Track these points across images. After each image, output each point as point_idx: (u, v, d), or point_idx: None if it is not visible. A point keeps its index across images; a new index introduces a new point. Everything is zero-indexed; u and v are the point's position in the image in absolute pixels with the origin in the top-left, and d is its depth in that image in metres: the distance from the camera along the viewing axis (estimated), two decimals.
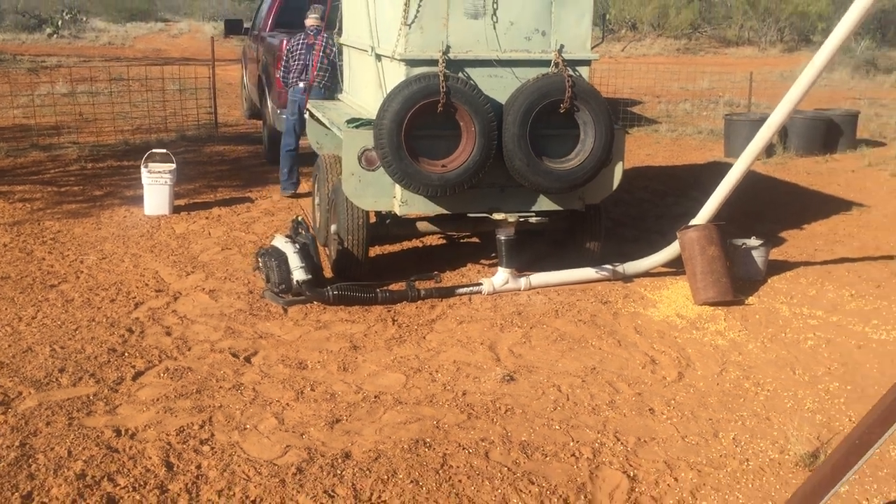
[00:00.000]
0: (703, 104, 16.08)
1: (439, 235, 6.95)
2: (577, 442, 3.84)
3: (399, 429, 3.90)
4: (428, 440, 3.80)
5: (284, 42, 8.81)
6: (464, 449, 3.73)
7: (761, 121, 10.87)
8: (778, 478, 3.59)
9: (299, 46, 7.87)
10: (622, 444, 3.84)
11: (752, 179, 8.12)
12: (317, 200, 6.87)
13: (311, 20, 7.98)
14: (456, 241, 7.05)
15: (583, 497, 3.41)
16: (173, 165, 7.61)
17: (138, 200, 7.75)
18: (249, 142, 11.43)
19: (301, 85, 7.82)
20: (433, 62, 5.10)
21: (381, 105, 5.10)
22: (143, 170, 7.52)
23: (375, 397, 4.22)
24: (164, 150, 7.82)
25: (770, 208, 8.20)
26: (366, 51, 5.95)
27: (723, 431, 3.99)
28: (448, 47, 5.14)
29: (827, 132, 11.10)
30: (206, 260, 6.37)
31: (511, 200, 5.50)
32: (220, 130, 12.01)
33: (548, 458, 3.69)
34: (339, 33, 7.11)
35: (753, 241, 6.17)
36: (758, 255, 6.14)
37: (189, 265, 6.23)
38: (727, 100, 16.18)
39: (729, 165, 5.91)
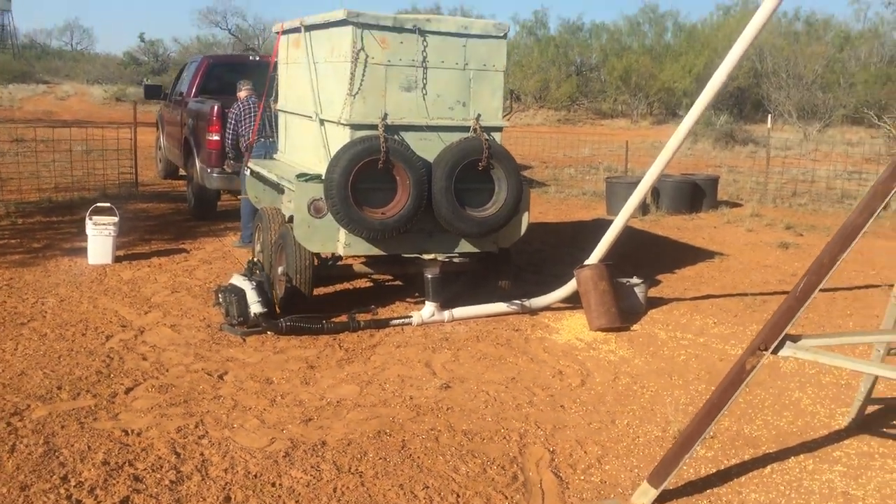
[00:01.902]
0: (585, 169, 17.76)
1: (368, 278, 7.85)
2: (507, 429, 4.78)
3: (363, 423, 4.74)
4: (388, 430, 4.66)
5: (216, 108, 9.65)
6: (417, 436, 4.61)
7: (637, 183, 12.48)
8: (661, 448, 4.63)
9: (245, 112, 8.69)
10: (542, 430, 4.81)
11: (631, 233, 9.48)
12: (258, 248, 7.66)
13: (245, 91, 8.85)
14: (382, 283, 7.96)
15: (515, 465, 4.34)
16: (117, 218, 8.24)
17: (79, 251, 8.31)
18: (170, 199, 12.05)
19: (263, 141, 8.54)
20: (374, 126, 6.11)
21: (330, 161, 6.05)
22: (87, 222, 8.10)
23: (338, 402, 5.05)
24: (107, 204, 8.43)
25: (648, 256, 9.52)
26: (308, 116, 6.90)
27: (618, 419, 5.03)
28: (386, 114, 6.16)
29: (693, 194, 12.75)
30: (159, 301, 7.03)
31: (438, 243, 6.51)
32: (139, 189, 12.55)
33: (485, 441, 4.62)
34: (275, 100, 8.04)
35: (635, 280, 7.38)
36: (639, 291, 7.33)
37: (145, 305, 6.88)
38: (606, 166, 17.90)
39: (609, 222, 7.13)
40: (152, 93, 13.49)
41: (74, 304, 6.81)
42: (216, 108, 9.62)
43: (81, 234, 8.45)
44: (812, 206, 13.79)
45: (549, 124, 34.46)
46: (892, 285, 8.32)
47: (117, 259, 8.27)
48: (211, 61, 11.70)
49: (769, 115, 16.59)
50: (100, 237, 8.11)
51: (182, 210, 11.24)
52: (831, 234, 11.93)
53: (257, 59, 12.01)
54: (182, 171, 13.39)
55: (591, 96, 40.73)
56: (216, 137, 9.64)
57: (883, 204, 3.54)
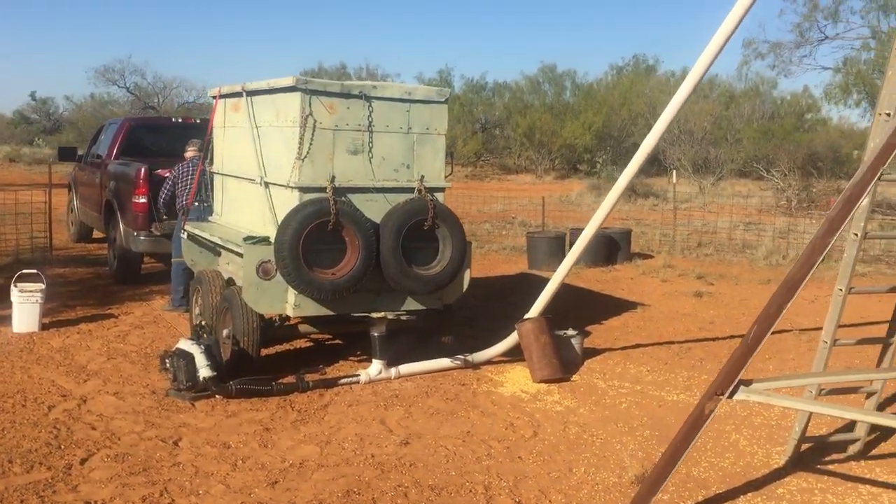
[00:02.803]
0: (501, 224, 18.23)
1: (308, 339, 7.86)
2: (472, 483, 4.89)
3: (330, 483, 4.77)
4: (356, 489, 4.70)
5: (143, 170, 9.56)
6: (386, 493, 4.67)
7: (558, 237, 12.99)
8: (621, 493, 4.84)
9: (185, 173, 8.63)
10: (505, 481, 4.94)
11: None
12: (197, 311, 7.58)
13: (191, 152, 8.82)
14: (324, 342, 7.98)
15: None
16: (43, 285, 8.00)
17: (1, 319, 8.01)
18: (88, 264, 11.73)
19: (198, 204, 8.46)
20: (322, 189, 6.23)
21: (281, 224, 6.13)
22: (13, 289, 7.84)
23: (300, 464, 5.06)
24: (33, 270, 8.18)
25: (575, 309, 9.85)
26: (250, 179, 6.95)
27: (575, 468, 5.21)
28: (334, 177, 6.30)
29: (609, 247, 13.29)
30: (96, 368, 6.85)
31: (385, 302, 6.63)
32: (53, 253, 12.17)
33: (453, 495, 4.72)
34: (211, 163, 8.06)
35: (571, 331, 7.66)
36: (575, 343, 7.62)
37: (82, 374, 6.69)
38: (521, 220, 18.41)
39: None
40: (67, 155, 13.20)
41: (7, 375, 6.57)
42: (143, 170, 9.53)
43: (1, 302, 8.17)
44: (717, 256, 14.57)
45: (458, 180, 35.08)
46: (802, 330, 8.94)
47: (44, 326, 8.01)
48: (132, 123, 11.58)
49: (673, 171, 17.50)
50: (26, 304, 7.85)
51: (102, 274, 10.96)
52: (740, 282, 12.60)
53: (179, 121, 11.96)
54: (97, 234, 13.09)
55: (497, 152, 41.90)
56: (143, 200, 9.52)
57: (821, 258, 3.90)
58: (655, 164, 35.95)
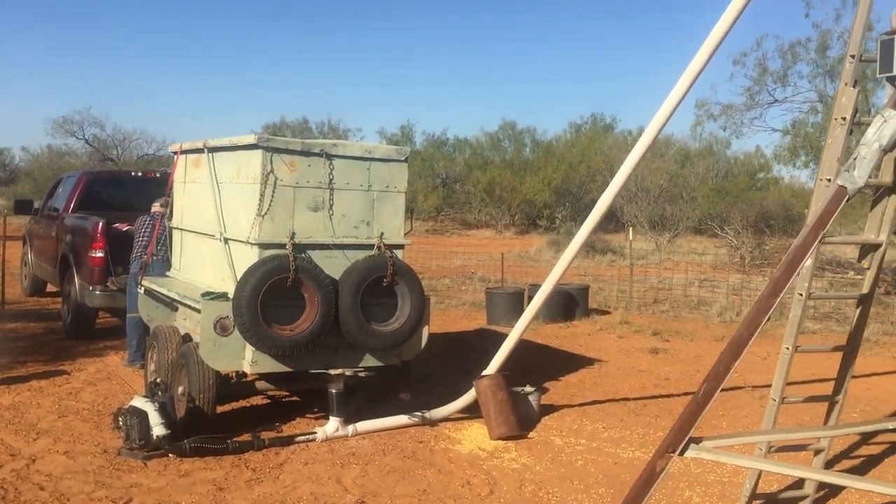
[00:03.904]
0: (461, 280, 18.33)
1: (265, 395, 7.80)
2: None
3: None
4: None
5: (100, 224, 9.51)
6: None
7: (517, 293, 13.09)
8: None
9: (146, 228, 8.59)
10: None
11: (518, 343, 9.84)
12: (152, 367, 7.49)
13: (157, 207, 8.79)
14: (280, 399, 7.91)
15: None
16: None
17: None
18: (41, 318, 11.53)
19: (157, 258, 8.38)
20: (282, 246, 6.27)
21: (240, 280, 6.13)
22: None
23: None
24: None
25: (533, 365, 9.92)
26: (210, 235, 6.97)
27: None
28: (294, 234, 6.35)
29: (567, 303, 13.43)
30: (46, 427, 6.71)
31: (343, 358, 6.63)
32: (6, 307, 11.94)
33: None
34: (170, 218, 8.06)
35: (528, 388, 7.71)
36: (532, 399, 7.66)
37: (32, 432, 6.55)
38: (480, 276, 18.53)
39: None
40: (23, 208, 13.06)
41: None
42: (100, 224, 9.48)
43: None
44: (673, 313, 14.79)
45: (419, 235, 35.27)
46: (754, 387, 9.11)
47: None
48: (90, 177, 11.54)
49: (630, 228, 17.81)
50: None
51: (56, 329, 10.78)
52: (695, 339, 12.77)
53: (138, 174, 11.94)
54: (50, 288, 12.89)
55: (457, 207, 42.24)
56: (100, 254, 9.45)
57: (766, 318, 4.04)
58: (613, 221, 36.55)
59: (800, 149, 16.91)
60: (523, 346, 10.99)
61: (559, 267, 7.07)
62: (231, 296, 6.24)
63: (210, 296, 6.40)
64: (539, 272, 18.58)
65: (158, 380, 6.53)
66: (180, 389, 6.69)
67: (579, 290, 13.93)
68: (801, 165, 17.94)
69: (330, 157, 6.48)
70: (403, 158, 6.84)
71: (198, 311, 6.43)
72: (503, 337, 7.44)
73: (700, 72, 6.11)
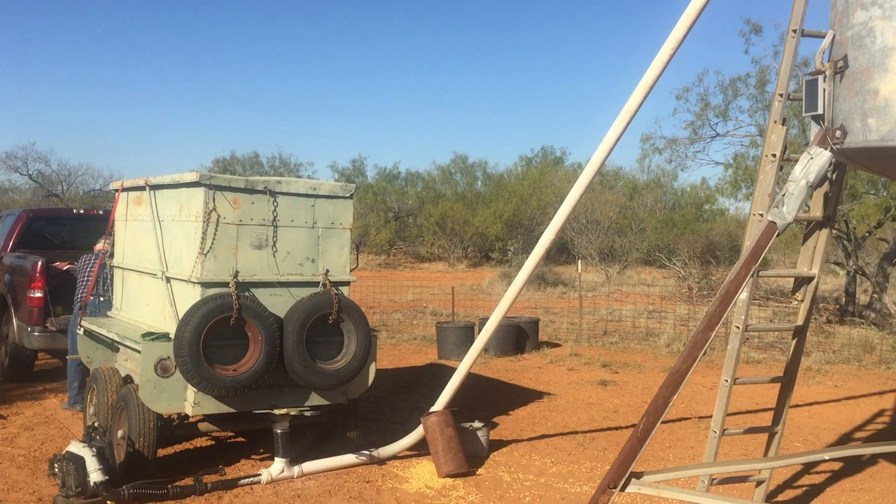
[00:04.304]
0: (412, 314, 18.28)
1: (208, 437, 7.64)
2: None
3: None
4: None
5: (39, 264, 9.29)
6: None
7: (467, 327, 13.10)
8: None
9: (88, 267, 8.40)
10: None
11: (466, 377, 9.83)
12: (91, 410, 7.30)
13: (100, 245, 8.61)
14: (225, 440, 7.76)
15: None
16: None
17: None
18: None
19: (102, 299, 8.19)
20: (225, 284, 6.20)
21: (181, 319, 6.03)
22: None
23: None
24: None
25: (483, 399, 9.92)
26: (152, 274, 6.86)
27: None
28: (237, 272, 6.28)
29: (517, 336, 13.48)
30: None
31: (288, 397, 6.54)
32: None
33: None
34: (112, 257, 7.92)
35: (477, 424, 7.69)
36: (481, 435, 7.64)
37: None
38: (432, 310, 18.52)
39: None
40: None
41: None
42: (40, 264, 9.26)
43: None
44: (622, 345, 14.94)
45: (371, 269, 35.19)
46: (701, 417, 9.21)
47: None
48: (31, 215, 11.29)
49: (579, 261, 18.01)
50: None
51: None
52: (643, 371, 12.89)
53: (81, 212, 11.73)
54: None
55: (409, 241, 42.26)
56: (39, 294, 9.22)
57: (703, 352, 4.10)
58: (565, 253, 36.95)
59: (741, 182, 17.32)
60: (473, 381, 11.01)
61: (504, 302, 7.10)
62: (172, 336, 6.13)
63: (151, 336, 6.28)
64: (491, 305, 18.63)
65: (97, 424, 6.36)
66: (120, 433, 6.52)
67: (529, 323, 13.99)
68: (743, 198, 18.35)
69: (274, 194, 6.45)
70: (349, 195, 6.84)
71: (138, 351, 6.30)
72: (453, 371, 7.42)
73: (637, 109, 6.22)
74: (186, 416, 6.62)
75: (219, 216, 6.22)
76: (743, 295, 4.76)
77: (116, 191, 7.86)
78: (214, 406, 6.26)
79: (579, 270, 16.69)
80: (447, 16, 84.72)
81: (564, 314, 18.50)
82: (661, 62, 5.91)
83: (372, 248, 39.22)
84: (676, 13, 5.78)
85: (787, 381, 5.38)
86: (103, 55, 79.02)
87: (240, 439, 7.80)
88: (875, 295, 18.03)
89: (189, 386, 6.16)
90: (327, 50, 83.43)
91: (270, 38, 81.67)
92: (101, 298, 8.17)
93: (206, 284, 6.18)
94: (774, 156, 4.99)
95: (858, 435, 8.71)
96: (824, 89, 4.39)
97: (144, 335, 6.31)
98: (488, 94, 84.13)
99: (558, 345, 14.61)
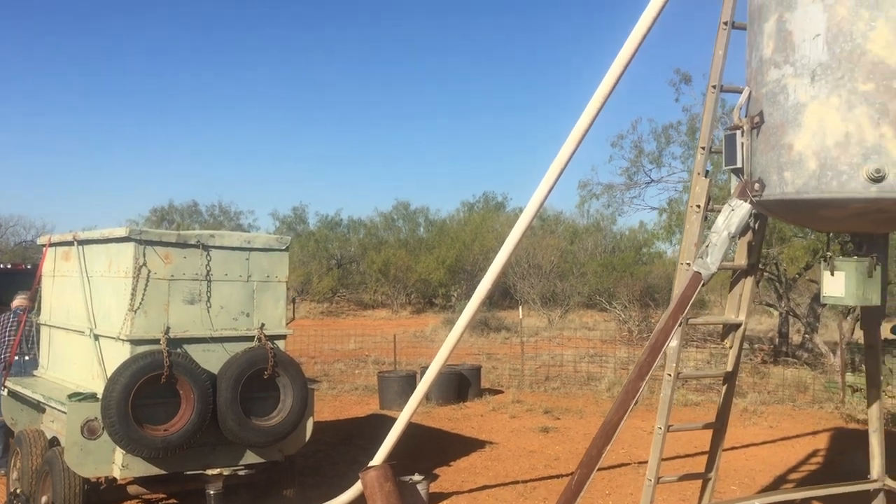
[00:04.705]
0: (354, 363, 18.11)
1: (139, 500, 7.39)
2: None
3: None
4: None
5: None
6: None
7: (409, 376, 13.02)
8: None
9: (10, 324, 8.12)
10: None
11: (407, 427, 9.74)
12: (15, 475, 7.01)
13: (19, 300, 8.35)
14: (156, 503, 7.51)
15: None
16: None
17: None
18: None
19: (27, 358, 7.92)
20: (156, 341, 6.06)
21: (109, 378, 5.87)
22: None
23: None
24: None
25: (425, 450, 9.82)
26: (80, 331, 6.67)
27: None
28: (169, 328, 6.15)
29: (459, 384, 13.44)
30: None
31: (222, 456, 6.39)
32: None
33: None
34: (38, 313, 7.69)
35: (417, 477, 7.60)
36: (421, 488, 7.55)
37: None
38: (374, 358, 18.37)
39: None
40: None
41: None
42: None
43: None
44: (564, 390, 15.00)
45: (313, 317, 34.80)
46: (640, 462, 9.26)
47: None
48: None
49: (520, 307, 18.13)
50: None
51: None
52: (584, 416, 12.94)
53: (8, 266, 11.39)
54: None
55: (352, 288, 42.01)
56: None
57: (634, 401, 4.15)
58: (508, 298, 37.15)
59: (675, 226, 17.73)
60: (415, 431, 10.89)
61: (443, 350, 7.10)
62: (100, 396, 5.95)
63: (77, 396, 6.09)
64: (433, 352, 18.45)
65: (19, 490, 6.10)
66: (44, 500, 6.27)
67: (471, 370, 13.97)
68: (677, 242, 18.78)
69: (207, 248, 6.37)
70: (284, 247, 6.80)
71: (64, 412, 6.09)
72: (394, 422, 7.35)
73: (568, 160, 6.32)
74: (115, 480, 6.40)
75: (149, 271, 6.10)
76: (673, 343, 4.84)
77: (44, 246, 7.67)
78: (144, 468, 6.07)
79: (521, 316, 16.77)
80: (387, 64, 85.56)
81: (507, 360, 18.53)
82: (590, 115, 6.04)
83: (314, 296, 38.86)
84: (607, 64, 5.92)
85: (719, 427, 5.46)
86: (37, 101, 77.60)
87: (171, 501, 7.56)
88: (807, 335, 18.52)
89: (117, 448, 5.97)
90: (267, 97, 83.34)
91: (209, 86, 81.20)
92: (27, 357, 7.91)
93: (135, 342, 6.04)
94: (699, 206, 5.13)
95: (793, 476, 8.86)
96: (742, 143, 4.55)
97: (71, 395, 6.11)
98: (430, 140, 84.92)
99: (501, 391, 14.60)
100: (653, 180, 19.03)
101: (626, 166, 19.13)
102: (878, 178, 4.00)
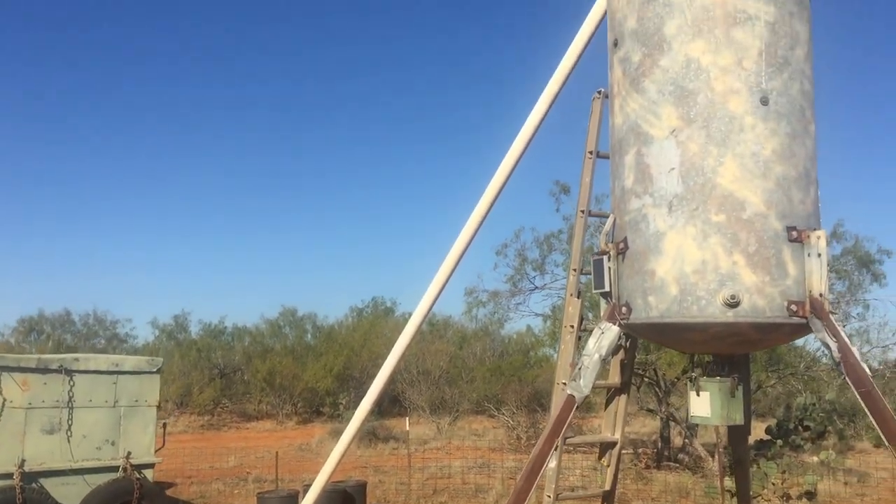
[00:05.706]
0: (234, 482, 17.26)
1: None
2: None
3: None
4: None
5: None
6: None
7: (290, 496, 12.47)
8: None
9: None
10: None
11: None
12: None
13: None
14: None
15: None
16: None
17: None
18: None
19: None
20: (9, 476, 5.62)
21: None
22: None
23: None
24: None
25: None
26: None
27: None
28: (24, 461, 5.73)
29: (343, 503, 12.96)
30: None
31: None
32: None
33: None
34: None
35: None
36: None
37: None
38: (255, 476, 17.58)
39: None
40: None
41: None
42: None
43: None
44: None
45: (192, 431, 33.17)
46: None
47: None
48: None
49: (406, 417, 17.90)
50: None
51: None
52: None
53: None
54: None
55: (236, 398, 40.47)
56: None
57: None
58: (397, 405, 36.60)
59: (559, 333, 18.13)
60: None
61: (326, 468, 6.90)
62: None
63: None
64: (319, 466, 17.94)
65: None
66: None
67: (356, 487, 13.52)
68: None
69: (70, 372, 6.05)
70: (156, 370, 6.53)
71: None
72: None
73: (449, 275, 6.38)
74: None
75: (4, 400, 5.72)
76: (552, 464, 4.86)
77: None
78: None
79: (407, 427, 16.53)
80: (268, 173, 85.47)
81: (395, 473, 18.10)
82: (472, 226, 6.15)
83: (195, 408, 37.15)
84: (491, 173, 6.06)
85: None
86: None
87: None
88: (687, 440, 19.00)
89: None
90: (144, 203, 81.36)
91: (81, 191, 78.60)
92: None
93: None
94: (573, 326, 5.27)
95: None
96: (609, 268, 4.74)
97: None
98: (316, 247, 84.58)
99: None
100: (537, 287, 19.55)
101: (511, 274, 19.61)
102: (733, 304, 4.23)
